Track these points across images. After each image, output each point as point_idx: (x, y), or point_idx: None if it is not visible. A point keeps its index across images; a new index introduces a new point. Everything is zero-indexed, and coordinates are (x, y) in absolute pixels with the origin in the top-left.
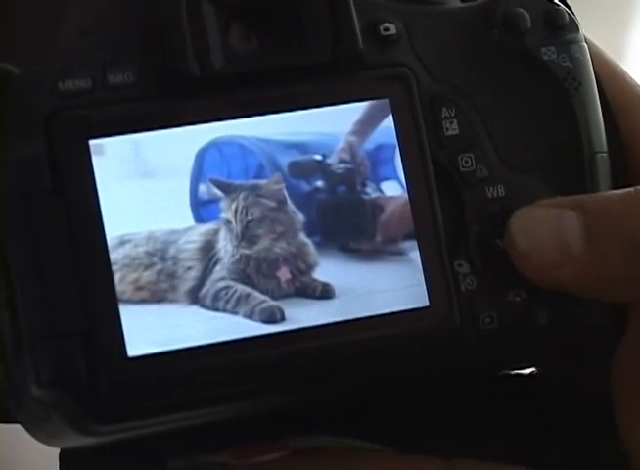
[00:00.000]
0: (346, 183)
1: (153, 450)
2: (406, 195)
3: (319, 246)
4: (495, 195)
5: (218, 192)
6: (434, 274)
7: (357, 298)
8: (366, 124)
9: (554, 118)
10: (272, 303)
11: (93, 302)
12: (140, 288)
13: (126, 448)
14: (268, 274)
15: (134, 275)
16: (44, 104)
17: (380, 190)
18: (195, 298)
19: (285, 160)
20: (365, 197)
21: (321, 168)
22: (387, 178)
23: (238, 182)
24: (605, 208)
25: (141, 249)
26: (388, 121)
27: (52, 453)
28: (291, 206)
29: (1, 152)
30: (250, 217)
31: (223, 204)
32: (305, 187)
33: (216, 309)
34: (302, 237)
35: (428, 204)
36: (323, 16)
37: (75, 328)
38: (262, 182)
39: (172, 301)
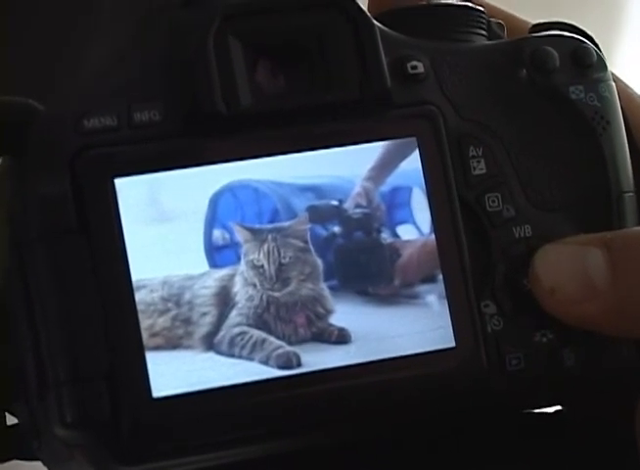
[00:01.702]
0: (363, 228)
1: None
2: (423, 238)
3: (336, 290)
4: (522, 235)
5: (243, 235)
6: (461, 315)
7: (376, 342)
8: (382, 168)
9: (581, 158)
10: (288, 348)
11: (119, 343)
12: (155, 334)
13: None
14: (286, 319)
15: (149, 321)
16: (70, 142)
17: (396, 234)
18: (210, 344)
19: (301, 203)
20: (382, 241)
21: (338, 213)
22: (403, 222)
23: (263, 225)
24: (629, 244)
25: (156, 294)
26: (406, 164)
27: None
28: (312, 248)
29: (27, 190)
30: (282, 259)
31: (248, 247)
32: (322, 232)
33: (232, 355)
34: (322, 281)
35: (455, 244)
36: (350, 53)
37: (100, 371)
38: (288, 223)
39: (188, 347)
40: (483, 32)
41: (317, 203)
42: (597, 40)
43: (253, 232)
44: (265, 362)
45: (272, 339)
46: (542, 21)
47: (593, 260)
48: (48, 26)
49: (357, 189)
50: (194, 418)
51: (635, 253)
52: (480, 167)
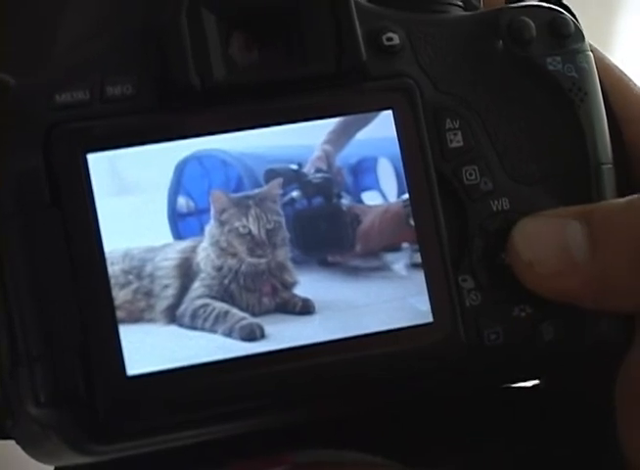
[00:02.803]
0: (323, 193)
1: (151, 469)
2: (386, 204)
3: (298, 259)
4: (500, 208)
5: (223, 203)
6: (439, 289)
7: (344, 315)
8: (342, 133)
9: (559, 130)
10: (252, 320)
11: (92, 320)
12: (116, 308)
13: (124, 467)
14: (252, 288)
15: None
16: (42, 117)
17: (360, 200)
18: (172, 316)
19: (261, 170)
20: (342, 207)
21: (297, 178)
22: (368, 188)
23: (244, 192)
24: (609, 216)
25: (117, 267)
26: (374, 132)
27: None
28: (282, 213)
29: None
30: (268, 224)
31: (230, 214)
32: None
33: (194, 328)
34: (289, 249)
35: (432, 218)
36: (325, 26)
37: (74, 347)
38: (265, 188)
39: (150, 320)
40: (460, 3)
41: (275, 166)
42: (594, 19)
43: (235, 199)
44: (228, 335)
45: (235, 310)
46: None
47: (572, 233)
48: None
49: (317, 153)
50: (169, 396)
51: (615, 225)
52: (456, 140)
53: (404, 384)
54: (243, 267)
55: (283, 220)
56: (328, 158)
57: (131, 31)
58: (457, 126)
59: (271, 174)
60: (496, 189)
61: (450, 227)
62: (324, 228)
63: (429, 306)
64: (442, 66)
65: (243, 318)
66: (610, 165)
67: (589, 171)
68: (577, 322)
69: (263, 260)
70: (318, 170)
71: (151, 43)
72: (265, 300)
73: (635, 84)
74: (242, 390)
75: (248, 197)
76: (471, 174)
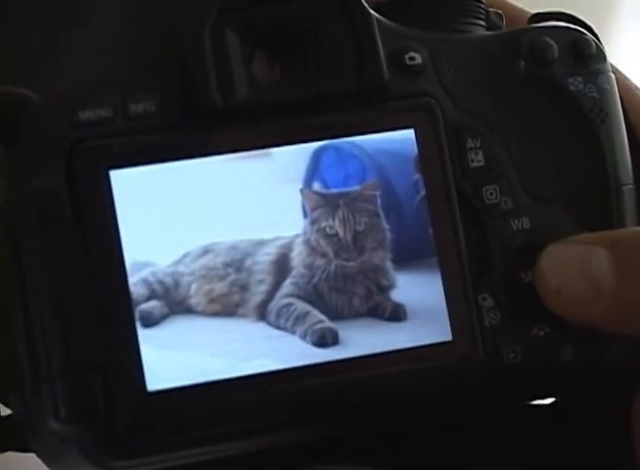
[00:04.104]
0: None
1: None
2: None
3: (400, 262)
4: (520, 227)
5: (313, 201)
6: (458, 308)
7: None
8: None
9: (580, 150)
10: (328, 324)
11: (113, 337)
12: (213, 300)
13: None
14: (343, 290)
15: (207, 287)
16: (65, 134)
17: None
18: (262, 313)
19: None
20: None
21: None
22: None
23: (333, 190)
24: (634, 244)
25: (219, 259)
26: None
27: None
28: (382, 213)
29: (22, 183)
30: (357, 226)
31: (320, 213)
32: (390, 198)
33: (279, 327)
34: (388, 250)
35: (452, 236)
36: (347, 44)
37: (94, 363)
38: (358, 188)
39: (242, 315)
40: (482, 23)
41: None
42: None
43: (324, 197)
44: (303, 337)
45: (316, 312)
46: (541, 10)
47: (598, 261)
48: (42, 14)
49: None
50: (189, 412)
51: None
52: (477, 159)
53: (423, 401)
54: (332, 268)
55: (381, 222)
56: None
57: (154, 49)
58: (478, 146)
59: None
60: (517, 208)
61: (470, 246)
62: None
63: (448, 325)
64: (464, 85)
65: (319, 321)
66: (631, 186)
67: (610, 192)
68: (597, 343)
69: (350, 264)
70: None
71: (174, 61)
72: (357, 302)
73: None
74: (264, 406)
75: (341, 195)
76: (491, 194)
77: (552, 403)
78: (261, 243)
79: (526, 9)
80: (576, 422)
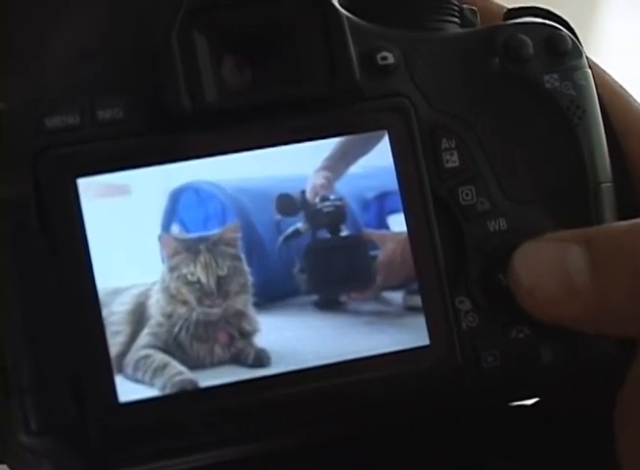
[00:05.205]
0: (332, 223)
1: None
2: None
3: (263, 305)
4: (497, 228)
5: (171, 248)
6: (435, 312)
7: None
8: (338, 161)
9: (557, 148)
10: (187, 375)
11: (83, 348)
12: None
13: None
14: (204, 337)
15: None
16: (31, 142)
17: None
18: (120, 366)
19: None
20: (360, 237)
21: (304, 206)
22: (393, 211)
23: (192, 234)
24: (609, 241)
25: (108, 294)
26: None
27: None
28: (242, 256)
29: None
30: (220, 271)
31: (179, 260)
32: (264, 234)
33: (136, 380)
34: (250, 293)
35: (428, 239)
36: (318, 46)
37: (65, 375)
38: (217, 231)
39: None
40: (456, 20)
41: (284, 193)
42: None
43: (187, 242)
44: (162, 391)
45: (175, 363)
46: (516, 6)
47: (573, 259)
48: (8, 18)
49: (319, 180)
50: (161, 422)
51: (615, 250)
52: (452, 160)
53: (402, 406)
54: (194, 316)
55: (243, 265)
56: (329, 185)
57: (122, 53)
58: (453, 146)
59: (282, 200)
60: (493, 209)
61: (447, 248)
62: (340, 262)
63: (425, 329)
64: (438, 84)
65: (179, 373)
66: (609, 184)
67: (588, 190)
68: (575, 343)
69: (214, 310)
70: (324, 199)
71: (141, 65)
72: (218, 350)
73: (635, 100)
74: (237, 414)
75: (201, 239)
76: (467, 195)
77: (533, 404)
78: (117, 291)
79: (501, 4)
80: (558, 423)
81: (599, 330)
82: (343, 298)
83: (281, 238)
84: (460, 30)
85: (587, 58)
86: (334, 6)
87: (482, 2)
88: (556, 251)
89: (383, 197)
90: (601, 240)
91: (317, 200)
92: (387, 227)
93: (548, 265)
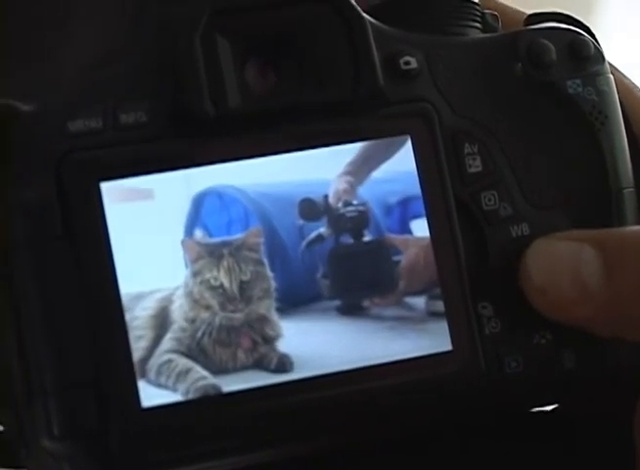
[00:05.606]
0: (356, 228)
1: None
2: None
3: (286, 310)
4: (520, 233)
5: (194, 252)
6: (458, 317)
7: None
8: (361, 165)
9: (580, 154)
10: (210, 380)
11: (106, 352)
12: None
13: None
14: (227, 342)
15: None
16: (54, 145)
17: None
18: (142, 371)
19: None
20: (384, 242)
21: (327, 211)
22: (416, 216)
23: (215, 239)
24: (623, 243)
25: (131, 298)
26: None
27: None
28: (266, 261)
29: (10, 196)
30: (243, 276)
31: (202, 265)
32: (287, 239)
33: (159, 385)
34: (273, 298)
35: (450, 244)
36: (342, 50)
37: (88, 379)
38: (240, 236)
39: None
40: (478, 25)
41: (307, 197)
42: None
43: (210, 247)
44: (185, 395)
45: (198, 368)
46: (537, 11)
47: (586, 261)
48: (29, 22)
49: (342, 185)
50: (183, 427)
51: (630, 254)
52: (475, 165)
53: (424, 412)
54: (217, 321)
55: (266, 270)
56: (353, 190)
57: (144, 58)
58: (476, 151)
59: (305, 204)
60: (516, 214)
61: (469, 253)
62: (363, 267)
63: (448, 334)
64: (461, 89)
65: (202, 378)
66: (631, 189)
67: (610, 196)
68: (598, 348)
69: (237, 315)
70: (347, 204)
71: (164, 70)
72: (241, 355)
73: None
74: (260, 420)
75: (224, 244)
76: (490, 200)
77: (553, 410)
78: (140, 296)
79: (523, 10)
80: (578, 429)
81: (613, 333)
82: (366, 303)
83: (304, 243)
84: (482, 35)
85: (609, 63)
86: (357, 10)
87: (502, 8)
88: (569, 250)
89: (405, 202)
90: (615, 243)
91: (340, 205)
92: (409, 232)
93: (561, 265)
